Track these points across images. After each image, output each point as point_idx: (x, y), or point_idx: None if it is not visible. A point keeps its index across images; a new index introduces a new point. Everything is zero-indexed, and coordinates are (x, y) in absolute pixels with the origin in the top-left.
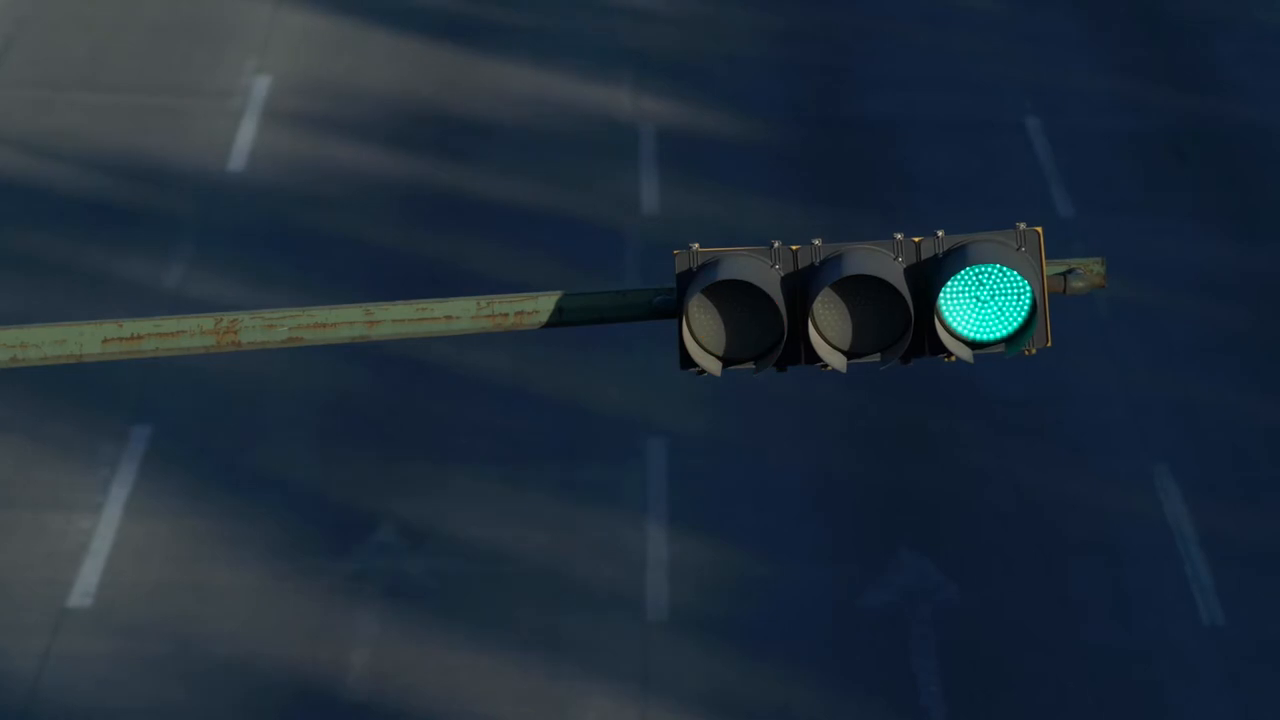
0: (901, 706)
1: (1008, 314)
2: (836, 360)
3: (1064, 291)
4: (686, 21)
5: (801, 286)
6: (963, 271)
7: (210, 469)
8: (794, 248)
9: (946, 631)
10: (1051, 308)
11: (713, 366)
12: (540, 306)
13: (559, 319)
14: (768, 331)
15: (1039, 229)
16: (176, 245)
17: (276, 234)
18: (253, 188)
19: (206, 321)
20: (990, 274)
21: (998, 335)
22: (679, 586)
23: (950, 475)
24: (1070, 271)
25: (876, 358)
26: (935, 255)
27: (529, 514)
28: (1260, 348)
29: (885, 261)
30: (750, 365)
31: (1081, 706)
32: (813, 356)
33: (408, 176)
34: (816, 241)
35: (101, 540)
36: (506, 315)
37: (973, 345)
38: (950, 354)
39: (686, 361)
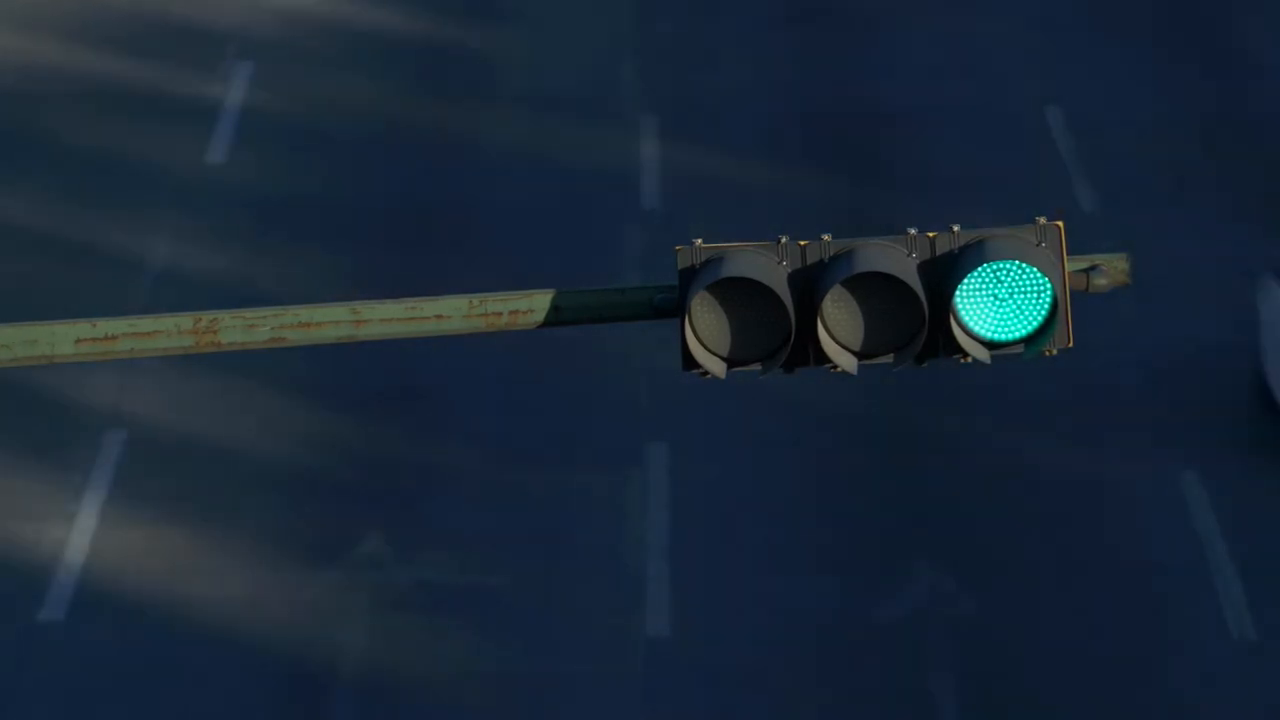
0: None
1: (1027, 313)
2: (847, 361)
3: (1086, 289)
4: (692, 5)
5: (810, 284)
6: (980, 268)
7: (188, 476)
8: (802, 243)
9: (963, 646)
10: (1073, 306)
11: (717, 368)
12: (535, 305)
13: (555, 318)
14: (774, 331)
15: (1060, 223)
16: (154, 239)
17: (259, 228)
18: (233, 178)
19: (185, 321)
20: (1009, 271)
21: (1016, 335)
22: (681, 598)
23: (966, 481)
24: (1093, 268)
25: (889, 359)
26: (951, 251)
27: (524, 522)
28: None
29: (898, 258)
30: (756, 366)
31: None
32: (822, 357)
33: (397, 168)
34: (826, 237)
35: (75, 551)
36: (500, 314)
37: (990, 345)
38: (966, 355)
39: (689, 363)
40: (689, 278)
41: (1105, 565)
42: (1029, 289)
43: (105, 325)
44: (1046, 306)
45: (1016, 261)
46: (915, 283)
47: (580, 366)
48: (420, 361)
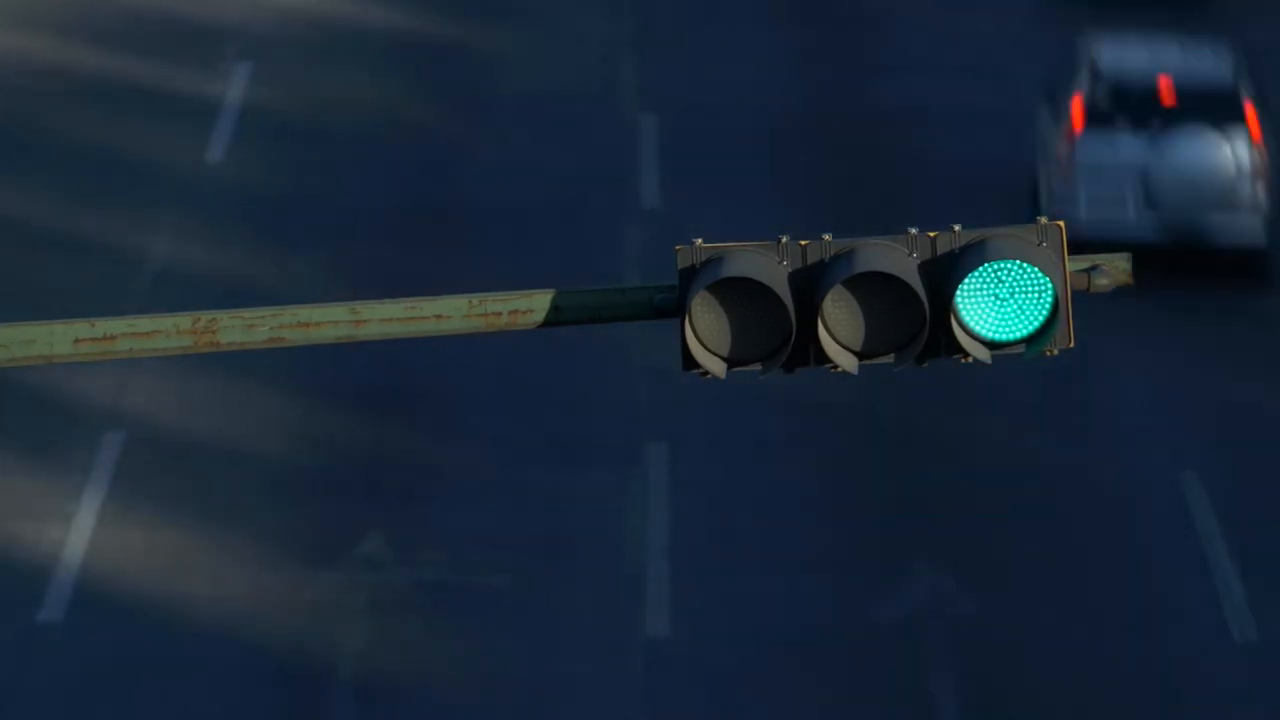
0: None
1: (1028, 312)
2: (847, 361)
3: (1087, 289)
4: (692, 4)
5: (810, 284)
6: (981, 268)
7: (187, 476)
8: (802, 243)
9: (963, 647)
10: (1074, 306)
11: (717, 368)
12: (535, 305)
13: (555, 318)
14: (775, 331)
15: (1061, 223)
16: (154, 238)
17: (259, 227)
18: (233, 177)
19: (183, 321)
20: (1010, 270)
21: (1017, 335)
22: (681, 598)
23: (967, 482)
24: (1094, 268)
25: (889, 359)
26: (952, 251)
27: (524, 522)
28: None
29: (899, 257)
30: (756, 366)
31: None
32: (822, 357)
33: (397, 167)
34: (826, 236)
35: (73, 551)
36: (500, 314)
37: (991, 345)
38: (967, 355)
39: (689, 363)
40: (689, 278)
41: (1105, 565)
42: (1030, 289)
43: (104, 325)
44: (1048, 306)
45: (1018, 261)
46: (916, 282)
47: (580, 366)
48: (420, 361)
